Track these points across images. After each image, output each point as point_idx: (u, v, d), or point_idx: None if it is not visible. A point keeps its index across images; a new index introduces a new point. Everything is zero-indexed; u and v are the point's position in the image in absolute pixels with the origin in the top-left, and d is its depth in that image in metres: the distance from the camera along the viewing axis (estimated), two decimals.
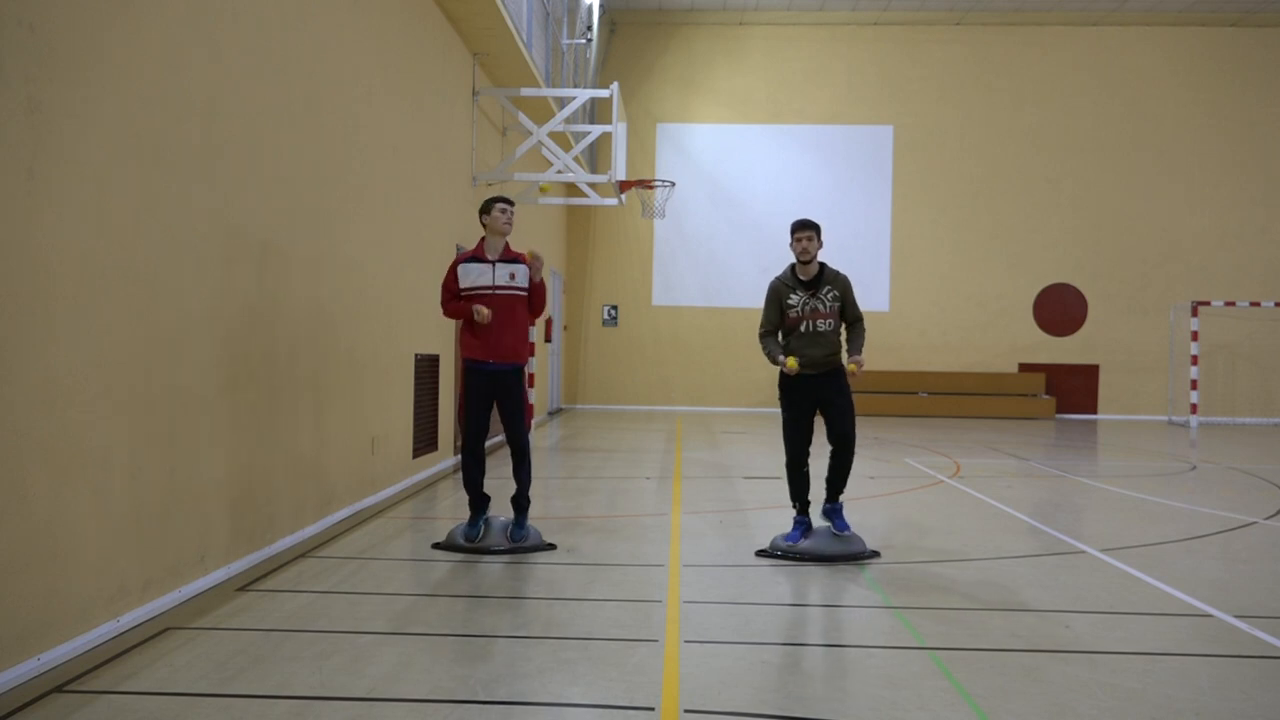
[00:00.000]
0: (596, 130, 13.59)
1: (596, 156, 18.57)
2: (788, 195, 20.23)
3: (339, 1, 7.18)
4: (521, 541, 6.30)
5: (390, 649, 4.29)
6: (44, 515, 3.89)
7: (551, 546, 6.39)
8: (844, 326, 6.39)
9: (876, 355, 19.75)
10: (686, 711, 3.61)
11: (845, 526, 6.26)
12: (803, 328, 6.23)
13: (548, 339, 16.60)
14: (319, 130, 6.74)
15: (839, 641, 4.71)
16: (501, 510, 6.79)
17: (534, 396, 14.11)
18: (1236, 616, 4.96)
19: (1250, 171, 20.32)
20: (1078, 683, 3.97)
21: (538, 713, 3.60)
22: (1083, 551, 6.55)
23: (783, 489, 6.81)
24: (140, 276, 4.51)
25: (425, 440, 9.63)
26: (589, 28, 18.20)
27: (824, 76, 20.77)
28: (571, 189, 17.57)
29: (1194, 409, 18.60)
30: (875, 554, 6.27)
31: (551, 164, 13.65)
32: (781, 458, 6.48)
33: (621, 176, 12.52)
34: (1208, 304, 19.01)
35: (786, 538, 6.29)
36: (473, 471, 6.36)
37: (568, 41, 16.54)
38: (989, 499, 8.84)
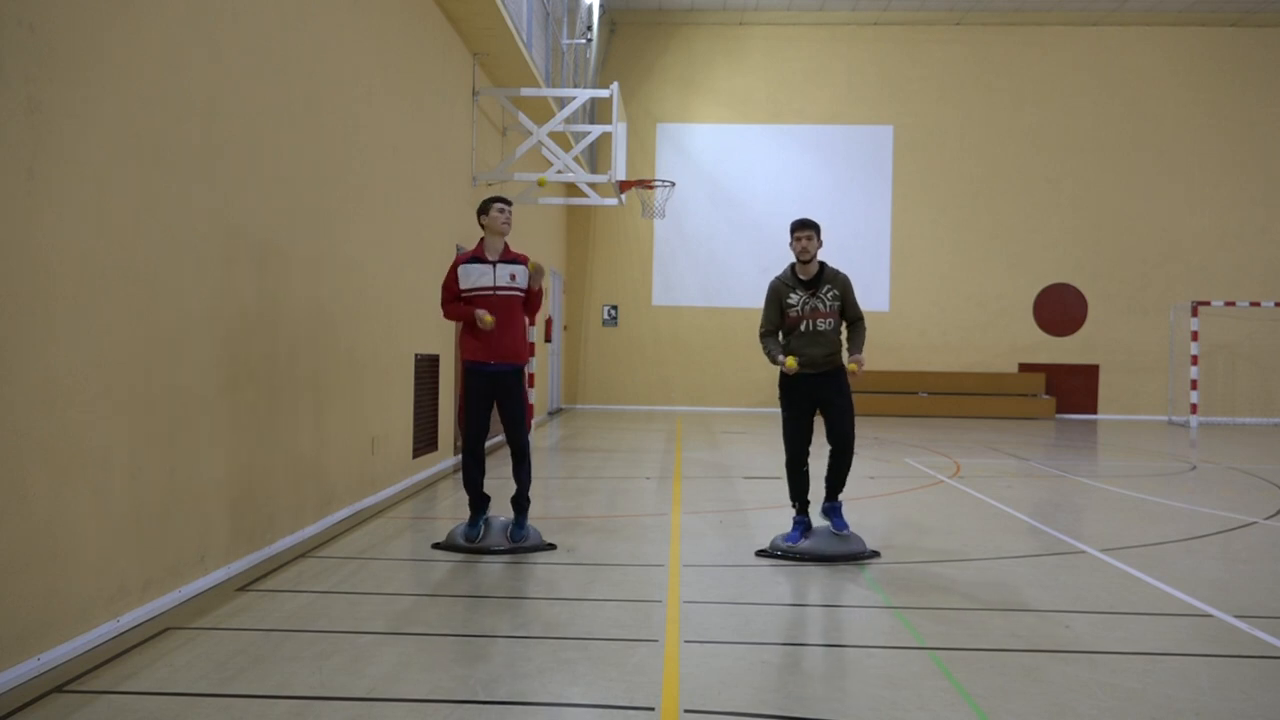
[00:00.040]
0: (596, 130, 13.59)
1: (596, 156, 18.57)
2: (788, 195, 20.23)
3: (339, 1, 7.18)
4: (521, 541, 6.30)
5: (390, 649, 4.29)
6: (44, 515, 3.89)
7: (551, 546, 6.39)
8: (845, 326, 6.40)
9: (876, 355, 19.75)
10: (686, 711, 3.61)
11: (844, 525, 6.27)
12: (803, 327, 6.23)
13: (548, 339, 16.60)
14: (319, 130, 6.74)
15: (839, 641, 4.71)
16: (501, 510, 6.79)
17: (534, 396, 14.11)
18: (1236, 616, 4.96)
19: (1250, 171, 20.32)
20: (1078, 683, 3.97)
21: (538, 713, 3.60)
22: (1083, 551, 6.55)
23: (783, 489, 6.81)
24: (140, 276, 4.51)
25: (425, 440, 9.63)
26: (589, 28, 18.20)
27: (824, 76, 20.77)
28: (571, 189, 17.57)
29: (1194, 409, 18.60)
30: (875, 554, 6.27)
31: (551, 164, 13.66)
32: (781, 457, 6.48)
33: (621, 176, 12.52)
34: (1208, 304, 19.01)
35: (786, 538, 6.29)
36: (473, 472, 6.36)
37: (568, 41, 16.54)
38: (989, 499, 8.84)
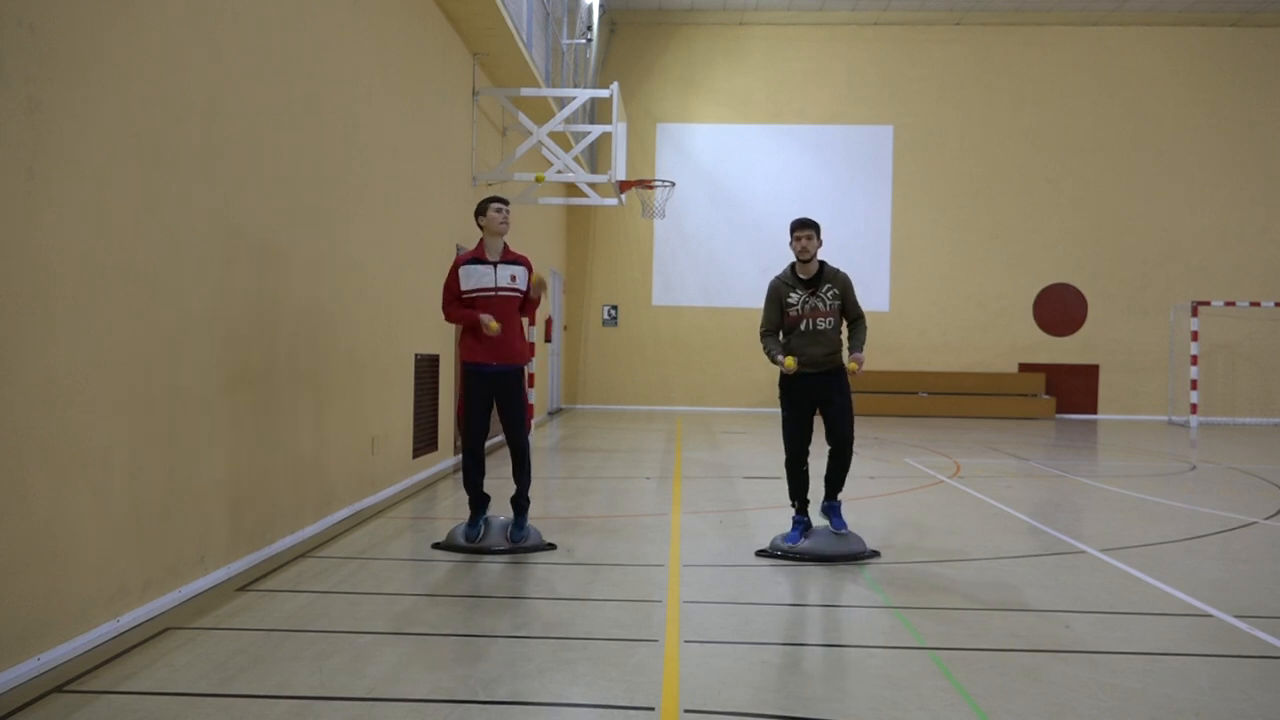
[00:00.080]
0: (596, 130, 13.59)
1: (596, 156, 18.58)
2: (788, 195, 20.23)
3: (339, 1, 7.18)
4: (521, 542, 6.30)
5: (390, 649, 4.29)
6: (44, 515, 3.89)
7: (551, 546, 6.39)
8: (846, 325, 6.40)
9: (876, 355, 19.75)
10: (686, 711, 3.61)
11: (843, 524, 6.27)
12: (802, 326, 6.23)
13: (548, 339, 16.60)
14: (319, 130, 6.74)
15: (839, 641, 4.71)
16: (501, 510, 6.79)
17: (534, 396, 14.10)
18: (1236, 616, 4.96)
19: (1250, 171, 20.32)
20: (1078, 683, 3.97)
21: (538, 713, 3.60)
22: (1083, 551, 6.55)
23: (782, 489, 6.81)
24: (140, 276, 4.51)
25: (425, 440, 9.63)
26: (589, 28, 18.20)
27: (824, 76, 20.77)
28: (571, 189, 17.57)
29: (1194, 409, 18.60)
30: (875, 554, 6.28)
31: (551, 164, 13.66)
32: (781, 457, 6.48)
33: (621, 176, 12.51)
34: (1208, 304, 19.01)
35: (786, 538, 6.29)
36: (473, 472, 6.36)
37: (568, 41, 16.55)
38: (989, 499, 8.84)
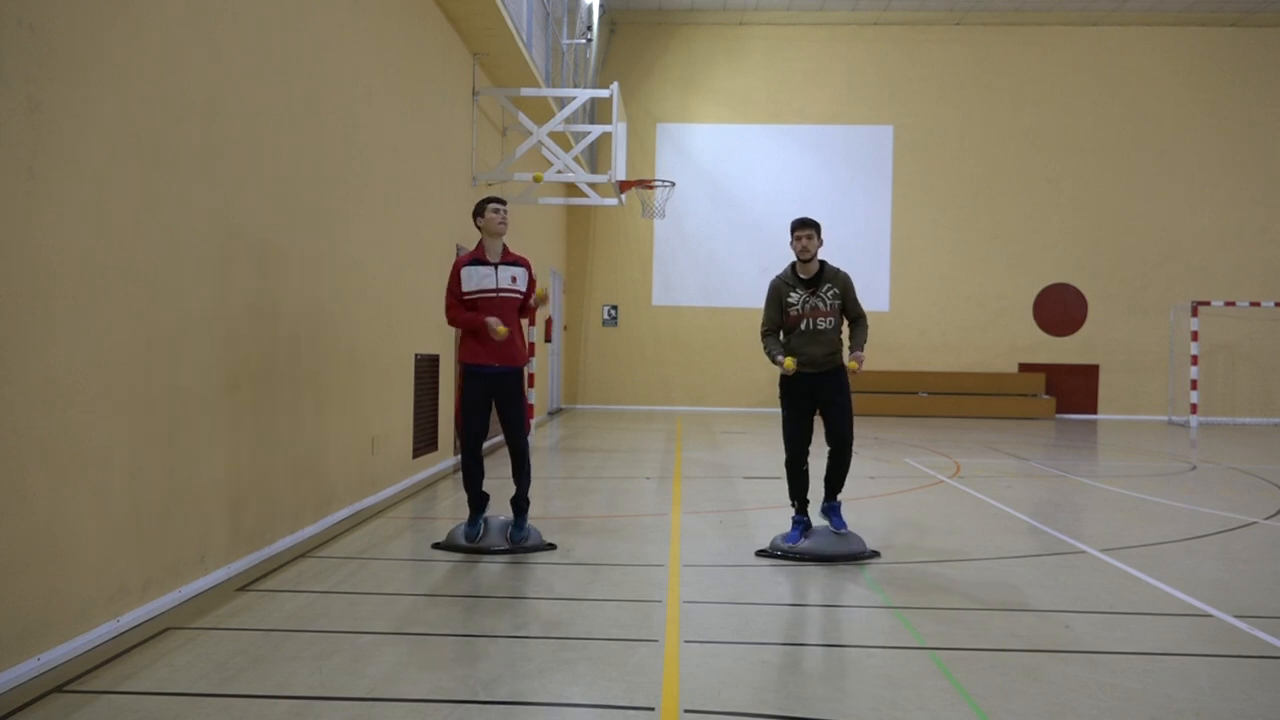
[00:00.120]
0: (596, 130, 13.59)
1: (596, 156, 18.58)
2: (788, 195, 20.23)
3: (339, 1, 7.18)
4: (522, 542, 6.30)
5: (390, 649, 4.29)
6: (44, 515, 3.89)
7: (551, 546, 6.39)
8: (847, 324, 6.40)
9: (876, 355, 19.75)
10: (686, 711, 3.61)
11: (843, 524, 6.28)
12: (803, 326, 6.23)
13: (548, 339, 16.60)
14: (319, 130, 6.74)
15: (839, 641, 4.71)
16: (501, 511, 6.79)
17: (534, 396, 14.10)
18: (1236, 616, 4.96)
19: (1250, 171, 20.32)
20: (1078, 683, 3.97)
21: (538, 713, 3.60)
22: (1083, 551, 6.55)
23: (782, 489, 6.81)
24: (140, 276, 4.51)
25: (425, 440, 9.63)
26: (589, 28, 18.20)
27: (824, 76, 20.77)
28: (571, 189, 17.57)
29: (1194, 409, 18.60)
30: (875, 554, 6.28)
31: (551, 164, 13.65)
32: (781, 457, 6.48)
33: (621, 176, 12.51)
34: (1208, 304, 19.01)
35: (786, 538, 6.29)
36: (473, 473, 6.35)
37: (568, 41, 16.55)
38: (989, 499, 8.84)
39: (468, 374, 6.31)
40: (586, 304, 20.92)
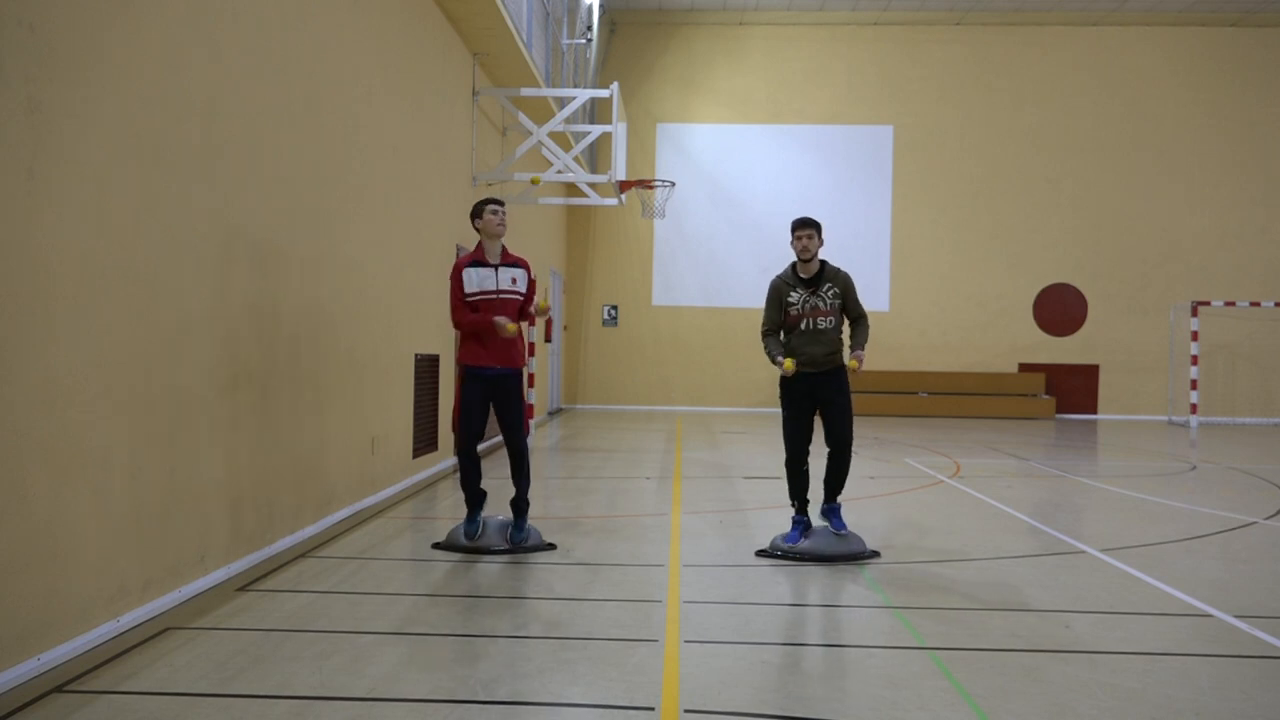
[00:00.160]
0: (596, 130, 13.59)
1: (596, 156, 18.58)
2: (788, 195, 20.23)
3: (339, 1, 7.18)
4: (522, 542, 6.30)
5: (390, 649, 4.29)
6: (44, 515, 3.89)
7: (551, 546, 6.39)
8: (848, 324, 6.40)
9: (876, 355, 19.76)
10: (686, 711, 3.61)
11: (842, 525, 6.27)
12: (803, 325, 6.23)
13: (548, 339, 16.60)
14: (319, 130, 6.74)
15: (839, 641, 4.71)
16: (500, 511, 6.79)
17: (534, 396, 14.11)
18: (1236, 616, 4.96)
19: (1250, 171, 20.32)
20: (1078, 683, 3.97)
21: (538, 713, 3.60)
22: (1083, 551, 6.55)
23: (782, 489, 6.81)
24: (140, 276, 4.51)
25: (425, 440, 9.63)
26: (589, 28, 18.20)
27: (824, 76, 20.77)
28: (571, 189, 17.57)
29: (1194, 409, 18.60)
30: (875, 554, 6.27)
31: (551, 164, 13.65)
32: (781, 457, 6.48)
33: (621, 176, 12.52)
34: (1208, 304, 19.01)
35: (786, 538, 6.29)
36: (471, 473, 6.34)
37: (568, 41, 16.55)
38: (989, 499, 8.84)
39: (468, 375, 6.29)
40: (586, 304, 20.92)
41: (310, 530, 6.64)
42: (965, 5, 19.82)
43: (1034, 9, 20.00)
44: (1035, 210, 20.61)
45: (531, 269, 6.50)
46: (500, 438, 6.63)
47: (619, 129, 12.44)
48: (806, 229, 6.22)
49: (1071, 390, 20.46)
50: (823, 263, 6.32)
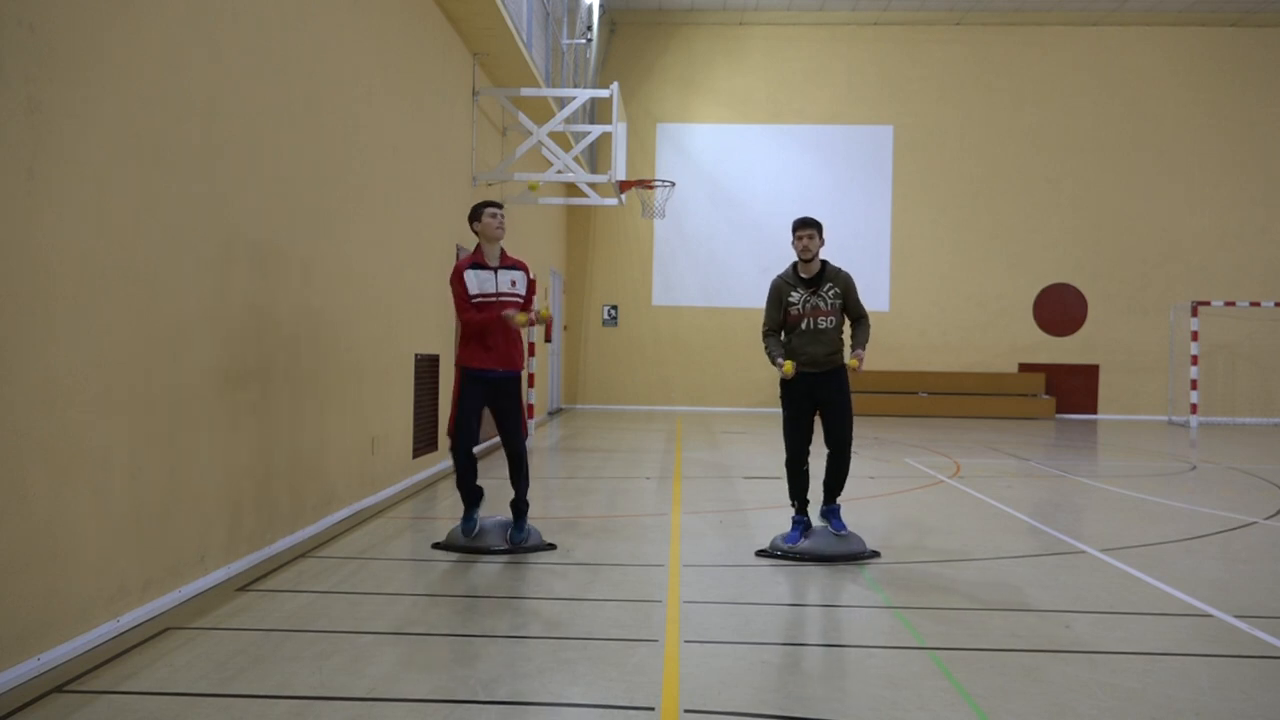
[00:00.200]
0: (596, 130, 13.59)
1: (596, 156, 18.58)
2: (788, 195, 20.24)
3: (339, 1, 7.18)
4: (522, 543, 6.30)
5: (390, 649, 4.29)
6: (44, 515, 3.89)
7: (552, 547, 6.39)
8: (850, 324, 6.40)
9: (876, 355, 19.75)
10: (686, 711, 3.61)
11: (842, 526, 6.27)
12: (803, 325, 6.23)
13: (548, 339, 16.60)
14: (319, 130, 6.74)
15: (839, 641, 4.71)
16: (499, 511, 6.78)
17: (534, 397, 14.11)
18: (1236, 616, 4.96)
19: (1250, 171, 20.32)
20: (1078, 683, 3.97)
21: (538, 713, 3.60)
22: (1083, 551, 6.55)
23: (782, 489, 6.81)
24: (140, 276, 4.51)
25: (425, 440, 9.63)
26: (589, 28, 18.20)
27: (824, 76, 20.77)
28: (571, 189, 17.57)
29: (1194, 409, 18.60)
30: (875, 554, 6.27)
31: (551, 164, 13.66)
32: (781, 457, 6.48)
33: (621, 176, 12.52)
34: (1208, 304, 19.01)
35: (786, 538, 6.29)
36: (468, 474, 6.32)
37: (568, 41, 16.55)
38: (989, 499, 8.84)
39: (467, 378, 6.27)
40: (586, 304, 20.92)
41: (310, 530, 6.64)
42: (965, 5, 19.82)
43: (1034, 9, 20.01)
44: (1035, 210, 20.61)
45: (530, 270, 6.50)
46: (497, 438, 6.61)
47: (619, 129, 12.44)
48: (807, 229, 6.22)
49: (1071, 390, 20.46)
50: (824, 263, 6.32)
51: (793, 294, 6.28)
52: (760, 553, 6.30)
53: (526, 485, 6.45)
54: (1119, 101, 20.49)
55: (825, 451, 6.33)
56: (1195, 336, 18.64)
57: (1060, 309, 20.55)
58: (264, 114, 5.84)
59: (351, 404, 7.45)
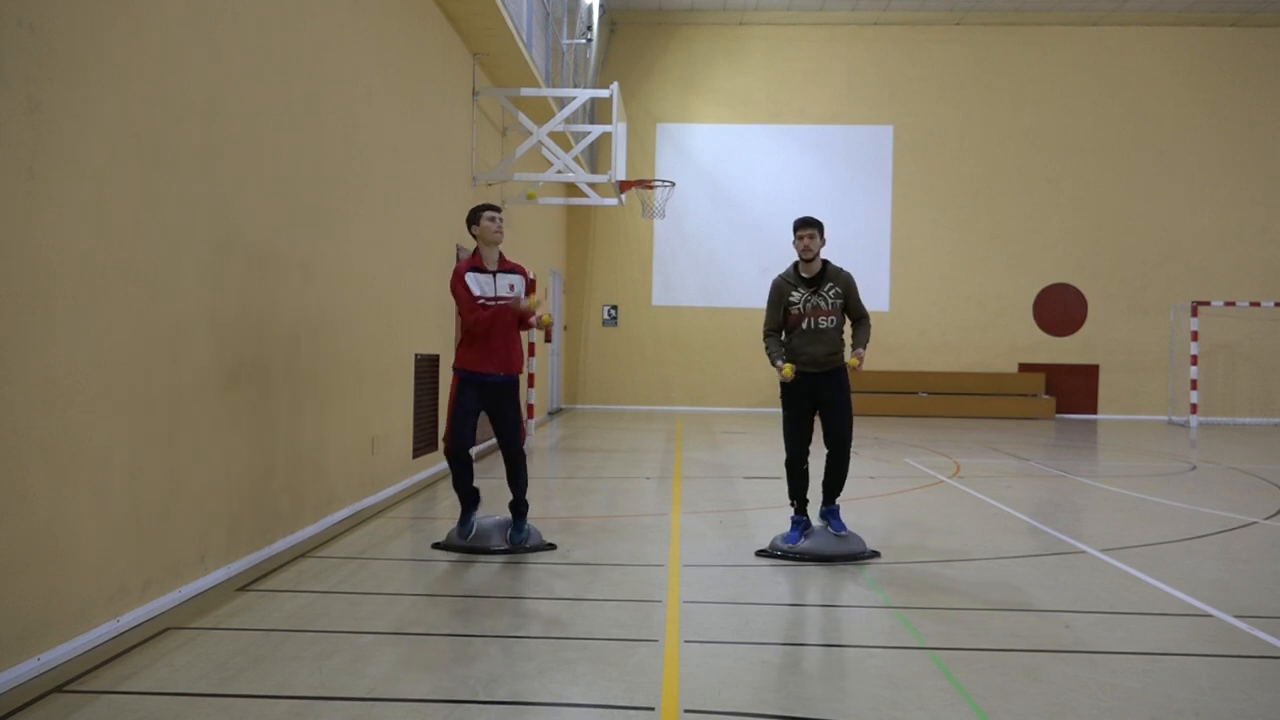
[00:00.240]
0: (596, 130, 13.60)
1: (596, 156, 18.58)
2: (788, 195, 20.23)
3: (339, 1, 7.18)
4: (522, 543, 6.30)
5: (390, 649, 4.29)
6: (44, 515, 3.89)
7: (552, 546, 6.39)
8: (850, 324, 6.40)
9: (876, 355, 19.75)
10: (686, 711, 3.61)
11: (842, 527, 6.28)
12: (804, 325, 6.23)
13: (548, 339, 16.60)
14: (319, 130, 6.74)
15: (839, 641, 4.71)
16: (498, 512, 6.78)
17: (534, 397, 14.12)
18: (1236, 616, 4.96)
19: (1250, 171, 20.32)
20: (1078, 683, 3.97)
21: (538, 713, 3.60)
22: (1083, 551, 6.55)
23: (782, 489, 6.81)
24: (140, 276, 4.51)
25: (425, 440, 9.63)
26: (589, 28, 18.20)
27: (824, 76, 20.77)
28: (571, 189, 17.57)
29: (1194, 409, 18.60)
30: (875, 554, 6.27)
31: (551, 164, 13.66)
32: (781, 457, 6.48)
33: (621, 176, 12.52)
34: (1208, 304, 19.01)
35: (786, 538, 6.29)
36: (464, 476, 6.31)
37: (568, 41, 16.55)
38: (989, 499, 8.84)
39: (465, 381, 6.25)
40: (586, 304, 20.92)
41: (310, 530, 6.64)
42: (965, 5, 19.82)
43: (1034, 9, 20.00)
44: (1035, 210, 20.61)
45: (529, 272, 6.49)
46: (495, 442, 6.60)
47: (619, 129, 12.44)
48: (808, 229, 6.23)
49: (1071, 390, 20.46)
50: (825, 262, 6.33)
51: (794, 294, 6.28)
52: (760, 553, 6.30)
53: (525, 486, 6.45)
54: (1119, 101, 20.49)
55: (825, 451, 6.33)
56: (1195, 336, 18.64)
57: (1060, 309, 20.55)
58: (264, 114, 5.84)
59: (351, 404, 7.45)
